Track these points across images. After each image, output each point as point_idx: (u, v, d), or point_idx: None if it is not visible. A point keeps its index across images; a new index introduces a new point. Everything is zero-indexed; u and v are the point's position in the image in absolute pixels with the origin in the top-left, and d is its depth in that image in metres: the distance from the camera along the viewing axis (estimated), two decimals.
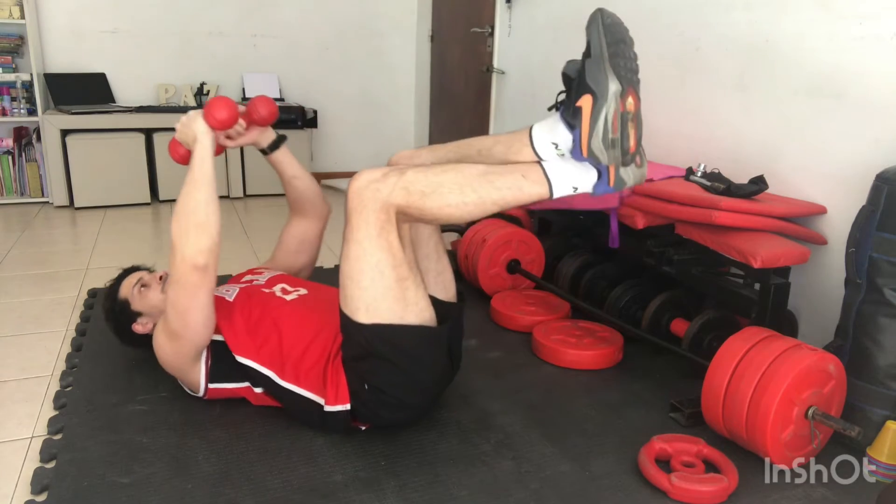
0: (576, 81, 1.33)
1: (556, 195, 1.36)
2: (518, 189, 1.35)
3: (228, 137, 1.75)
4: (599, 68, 1.30)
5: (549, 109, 1.41)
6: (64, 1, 3.86)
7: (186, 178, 1.49)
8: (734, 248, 1.70)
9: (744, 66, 2.13)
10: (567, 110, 1.34)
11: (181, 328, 1.51)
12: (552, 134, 1.38)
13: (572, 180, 1.35)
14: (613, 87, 1.28)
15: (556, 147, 1.37)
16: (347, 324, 1.43)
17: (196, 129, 1.55)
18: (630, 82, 1.30)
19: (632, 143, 1.30)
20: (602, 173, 1.33)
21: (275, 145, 1.86)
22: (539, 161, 1.39)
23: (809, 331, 1.93)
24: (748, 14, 2.10)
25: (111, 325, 1.80)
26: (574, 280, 2.35)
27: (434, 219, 1.38)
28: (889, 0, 1.70)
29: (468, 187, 1.34)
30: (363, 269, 1.37)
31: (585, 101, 1.30)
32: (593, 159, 1.31)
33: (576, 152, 1.32)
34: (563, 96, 1.38)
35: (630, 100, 1.30)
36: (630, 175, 1.33)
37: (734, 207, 1.74)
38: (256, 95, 1.79)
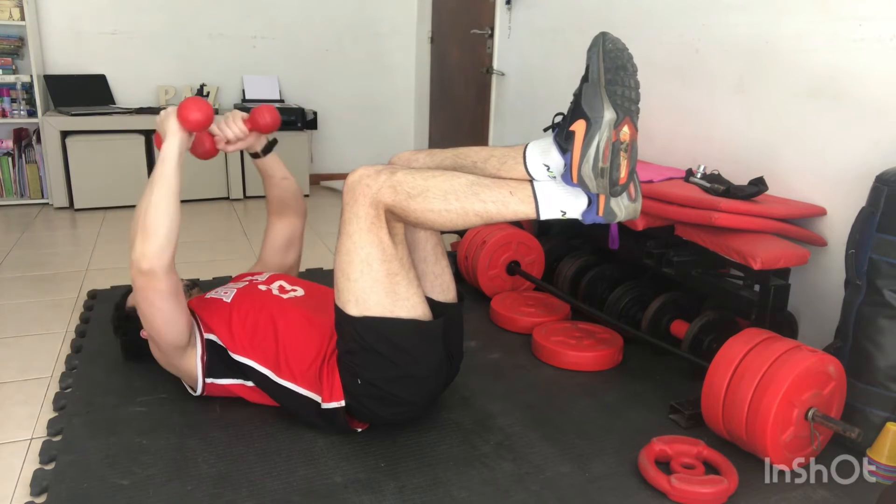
0: (572, 105, 1.33)
1: (542, 216, 1.35)
2: (503, 205, 1.34)
3: (228, 142, 1.74)
4: (596, 94, 1.28)
5: (545, 130, 1.41)
6: (64, 2, 3.87)
7: (151, 176, 1.50)
8: (734, 249, 1.71)
9: (743, 67, 2.13)
10: (560, 133, 1.34)
11: (148, 328, 1.56)
12: (545, 156, 1.37)
13: (561, 204, 1.35)
14: (608, 115, 1.27)
15: (548, 169, 1.37)
16: (340, 317, 1.44)
17: (167, 128, 1.55)
18: (627, 112, 1.28)
19: (622, 173, 1.29)
20: (592, 201, 1.32)
21: (268, 148, 1.87)
22: (530, 180, 1.39)
23: (809, 332, 1.93)
24: (747, 16, 2.10)
25: (120, 338, 1.85)
26: (574, 281, 2.35)
27: (417, 221, 1.38)
28: (889, 2, 1.70)
29: (452, 195, 1.34)
30: (352, 262, 1.38)
31: (579, 127, 1.29)
32: (583, 186, 1.31)
33: (566, 177, 1.32)
34: (559, 118, 1.37)
35: (625, 129, 1.28)
36: (622, 207, 1.32)
37: (734, 209, 1.74)
38: (260, 104, 1.81)
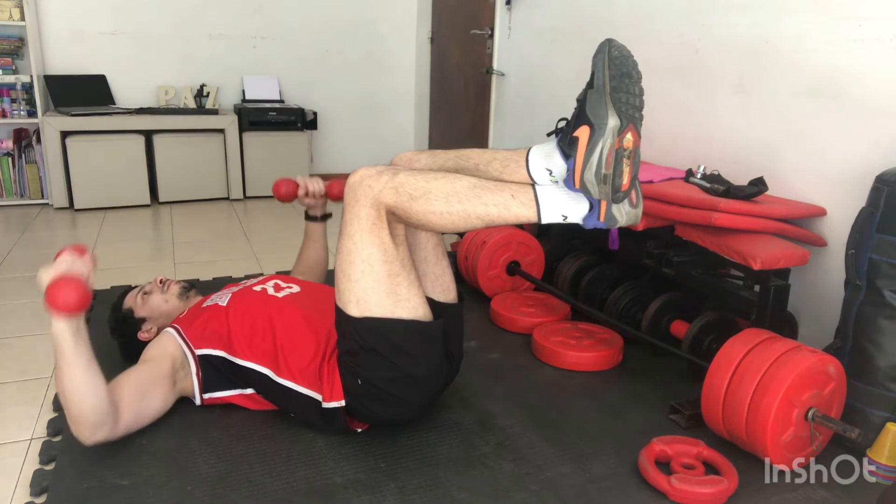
0: (576, 111, 1.33)
1: (544, 220, 1.36)
2: (505, 208, 1.35)
3: (307, 195, 2.03)
4: (600, 101, 1.28)
5: (548, 135, 1.41)
6: (64, 3, 3.87)
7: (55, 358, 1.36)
8: (734, 249, 1.71)
9: (743, 67, 2.13)
10: (564, 139, 1.34)
11: None
12: (547, 160, 1.38)
13: (562, 209, 1.35)
14: (612, 122, 1.27)
15: (551, 174, 1.37)
16: (341, 317, 1.44)
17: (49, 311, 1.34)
18: (631, 119, 1.28)
19: (625, 180, 1.29)
20: (594, 206, 1.33)
21: (325, 217, 2.13)
22: (532, 184, 1.39)
23: (809, 332, 1.93)
24: (747, 16, 2.10)
25: (118, 339, 1.84)
26: (574, 282, 2.35)
27: (419, 223, 1.38)
28: (889, 2, 1.70)
29: (454, 198, 1.34)
30: (354, 262, 1.38)
31: (582, 133, 1.30)
32: (585, 192, 1.31)
33: (569, 182, 1.32)
34: (563, 123, 1.38)
35: (628, 136, 1.28)
36: (623, 213, 1.32)
37: (734, 209, 1.74)
38: (336, 179, 2.08)
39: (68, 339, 1.33)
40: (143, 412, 1.50)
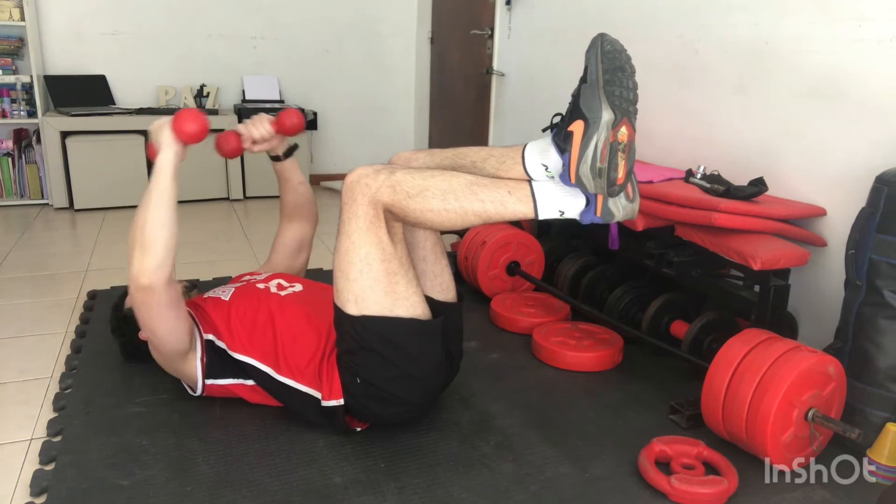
0: (570, 105, 1.34)
1: (541, 216, 1.36)
2: (501, 204, 1.35)
3: (254, 142, 1.78)
4: (594, 95, 1.29)
5: (544, 131, 1.41)
6: (64, 3, 3.87)
7: (147, 189, 1.48)
8: (734, 249, 1.71)
9: (743, 67, 2.13)
10: (559, 134, 1.35)
11: (150, 336, 1.56)
12: (543, 156, 1.38)
13: (559, 204, 1.35)
14: (606, 115, 1.28)
15: (546, 169, 1.38)
16: (339, 316, 1.44)
17: (161, 140, 1.53)
18: (625, 112, 1.29)
19: (620, 174, 1.30)
20: (590, 201, 1.33)
21: (289, 152, 1.91)
22: (529, 180, 1.39)
23: (809, 333, 1.93)
24: (748, 16, 2.10)
25: (118, 339, 1.84)
26: (574, 282, 2.35)
27: (416, 221, 1.39)
28: (889, 2, 1.70)
29: (451, 195, 1.35)
30: (352, 261, 1.38)
31: (577, 127, 1.30)
32: (581, 186, 1.31)
33: (564, 177, 1.33)
34: (557, 118, 1.38)
35: (623, 130, 1.29)
36: (619, 207, 1.33)
37: (734, 209, 1.74)
38: (285, 108, 1.85)
39: (168, 170, 1.48)
40: (180, 307, 1.53)
